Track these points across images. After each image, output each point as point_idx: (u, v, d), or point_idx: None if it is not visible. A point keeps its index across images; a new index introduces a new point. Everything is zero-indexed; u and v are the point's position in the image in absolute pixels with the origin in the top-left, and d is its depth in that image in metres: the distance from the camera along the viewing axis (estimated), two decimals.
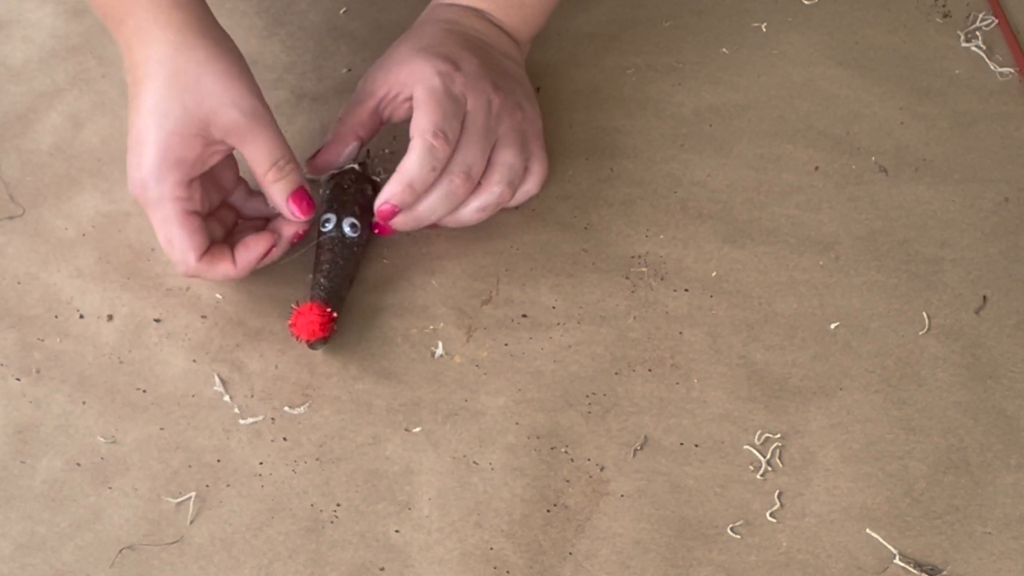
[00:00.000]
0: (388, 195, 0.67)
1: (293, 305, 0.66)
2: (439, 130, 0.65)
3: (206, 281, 0.68)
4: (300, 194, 0.66)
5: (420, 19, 0.74)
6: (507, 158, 0.69)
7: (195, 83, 0.62)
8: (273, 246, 0.67)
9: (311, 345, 0.66)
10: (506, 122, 0.69)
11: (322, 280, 0.67)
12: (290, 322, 0.66)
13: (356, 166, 0.72)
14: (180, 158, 0.62)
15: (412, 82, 0.67)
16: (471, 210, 0.69)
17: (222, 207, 0.69)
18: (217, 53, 0.63)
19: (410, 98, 0.68)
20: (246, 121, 0.63)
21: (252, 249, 0.66)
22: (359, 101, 0.70)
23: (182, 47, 0.62)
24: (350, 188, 0.70)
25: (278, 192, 0.66)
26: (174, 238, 0.64)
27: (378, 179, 0.73)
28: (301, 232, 0.69)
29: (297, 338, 0.66)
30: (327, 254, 0.68)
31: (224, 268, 0.65)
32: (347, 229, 0.69)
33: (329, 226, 0.69)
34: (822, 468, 0.64)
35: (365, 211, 0.70)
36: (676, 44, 0.84)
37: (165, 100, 0.62)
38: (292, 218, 0.67)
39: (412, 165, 0.66)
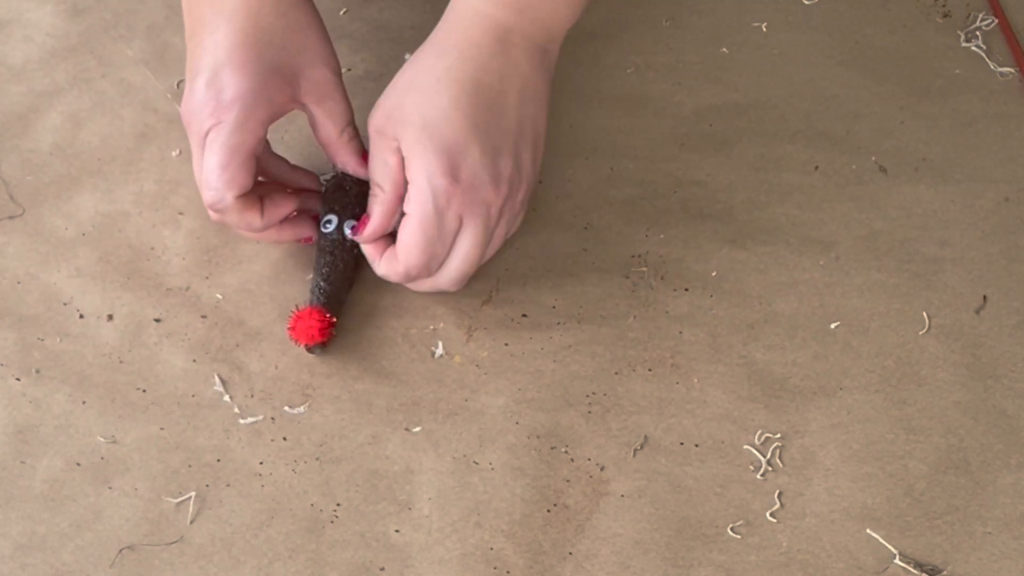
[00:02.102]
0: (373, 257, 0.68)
1: (293, 309, 0.66)
2: (422, 267, 0.65)
3: (231, 227, 0.67)
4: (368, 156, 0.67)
5: (438, 38, 0.65)
6: (473, 257, 0.66)
7: (300, 30, 0.64)
8: (295, 210, 0.68)
9: (309, 349, 0.66)
10: (502, 227, 0.66)
11: (322, 283, 0.67)
12: (289, 326, 0.66)
13: None
14: (271, 98, 0.63)
15: (408, 171, 0.63)
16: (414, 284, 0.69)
17: None
18: (312, 11, 0.65)
19: (399, 158, 0.65)
20: (334, 81, 0.65)
21: (281, 207, 0.66)
22: (374, 148, 0.66)
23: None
24: (352, 189, 0.70)
25: (352, 152, 0.67)
26: (231, 168, 0.62)
27: None
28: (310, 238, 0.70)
29: (296, 342, 0.66)
30: (327, 256, 0.68)
31: (251, 217, 0.64)
32: (348, 231, 0.68)
33: (330, 227, 0.69)
34: (822, 468, 0.64)
35: (364, 212, 0.70)
36: (676, 44, 0.84)
37: (268, 34, 0.63)
38: (364, 175, 0.68)
39: (385, 271, 0.67)
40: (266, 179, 0.70)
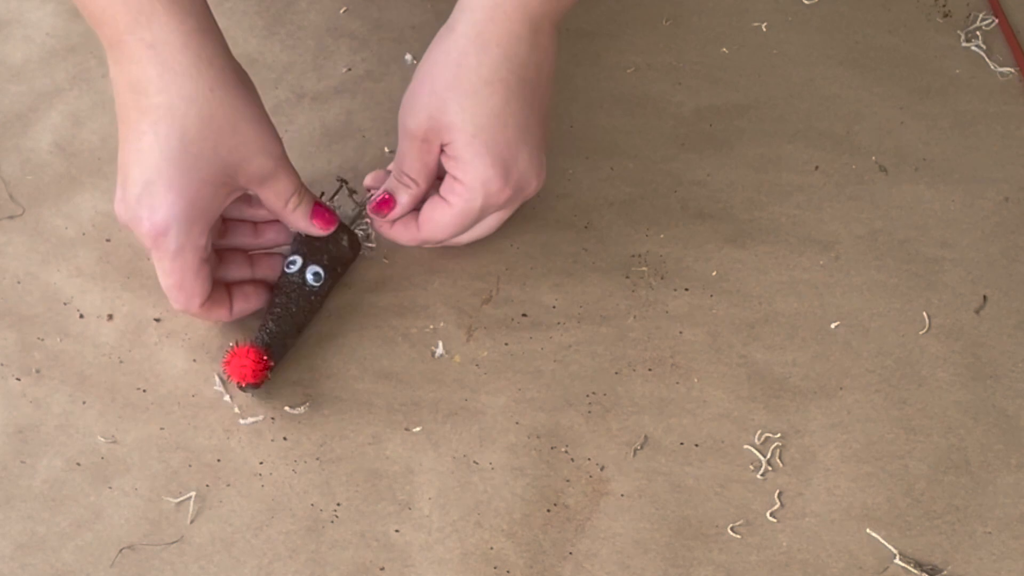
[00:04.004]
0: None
1: (232, 344, 0.65)
2: (441, 242, 0.69)
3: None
4: (318, 211, 0.66)
5: (476, 31, 0.63)
6: (493, 229, 0.70)
7: (232, 130, 0.60)
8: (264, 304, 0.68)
9: (241, 388, 0.65)
10: (508, 211, 0.69)
11: (270, 323, 0.66)
12: (224, 360, 0.64)
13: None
14: (207, 207, 0.61)
15: (457, 171, 0.64)
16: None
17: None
18: (248, 95, 0.61)
19: (437, 157, 0.65)
20: (274, 166, 0.63)
21: (251, 300, 0.67)
22: (412, 149, 0.66)
23: (216, 86, 0.59)
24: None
25: (300, 218, 0.66)
26: (186, 285, 0.62)
27: (357, 231, 0.71)
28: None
29: (228, 378, 0.65)
30: (282, 297, 0.66)
31: (220, 314, 0.66)
32: (310, 277, 0.67)
33: (293, 268, 0.67)
34: (822, 468, 0.64)
35: (334, 261, 0.68)
36: (676, 44, 0.84)
37: (197, 145, 0.59)
38: (321, 232, 0.67)
39: (397, 236, 0.69)
40: (231, 244, 0.69)
